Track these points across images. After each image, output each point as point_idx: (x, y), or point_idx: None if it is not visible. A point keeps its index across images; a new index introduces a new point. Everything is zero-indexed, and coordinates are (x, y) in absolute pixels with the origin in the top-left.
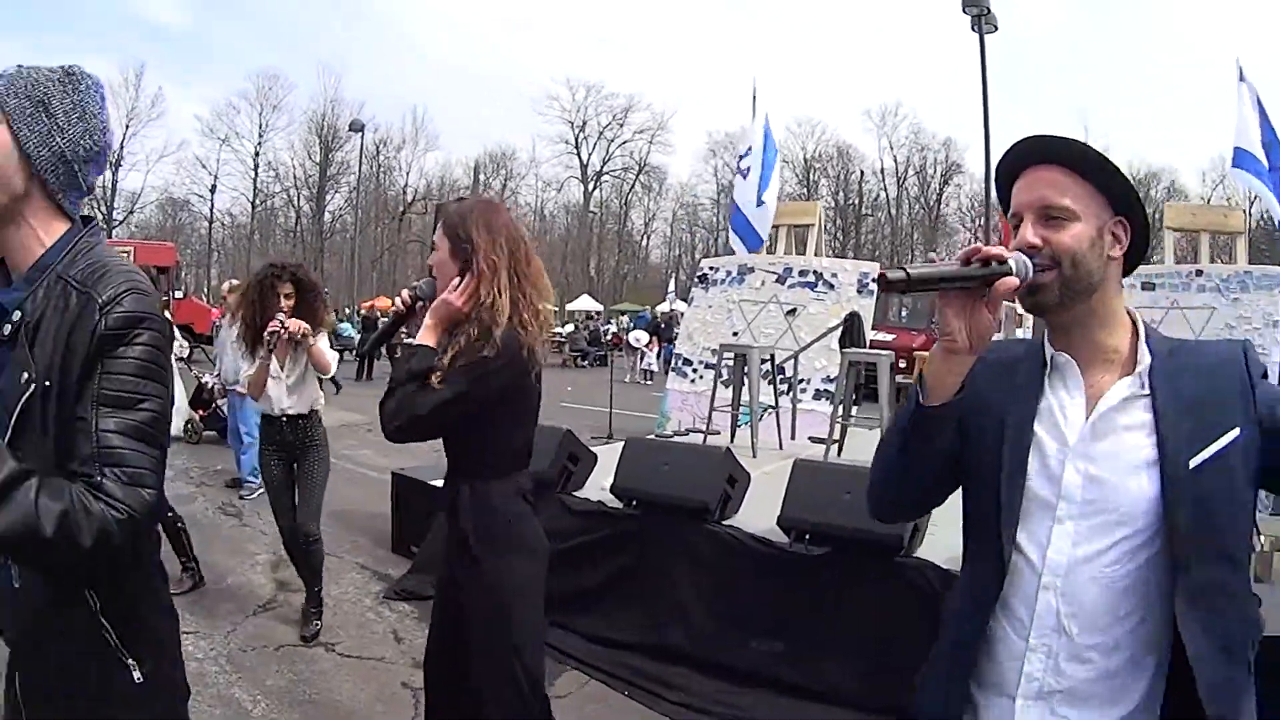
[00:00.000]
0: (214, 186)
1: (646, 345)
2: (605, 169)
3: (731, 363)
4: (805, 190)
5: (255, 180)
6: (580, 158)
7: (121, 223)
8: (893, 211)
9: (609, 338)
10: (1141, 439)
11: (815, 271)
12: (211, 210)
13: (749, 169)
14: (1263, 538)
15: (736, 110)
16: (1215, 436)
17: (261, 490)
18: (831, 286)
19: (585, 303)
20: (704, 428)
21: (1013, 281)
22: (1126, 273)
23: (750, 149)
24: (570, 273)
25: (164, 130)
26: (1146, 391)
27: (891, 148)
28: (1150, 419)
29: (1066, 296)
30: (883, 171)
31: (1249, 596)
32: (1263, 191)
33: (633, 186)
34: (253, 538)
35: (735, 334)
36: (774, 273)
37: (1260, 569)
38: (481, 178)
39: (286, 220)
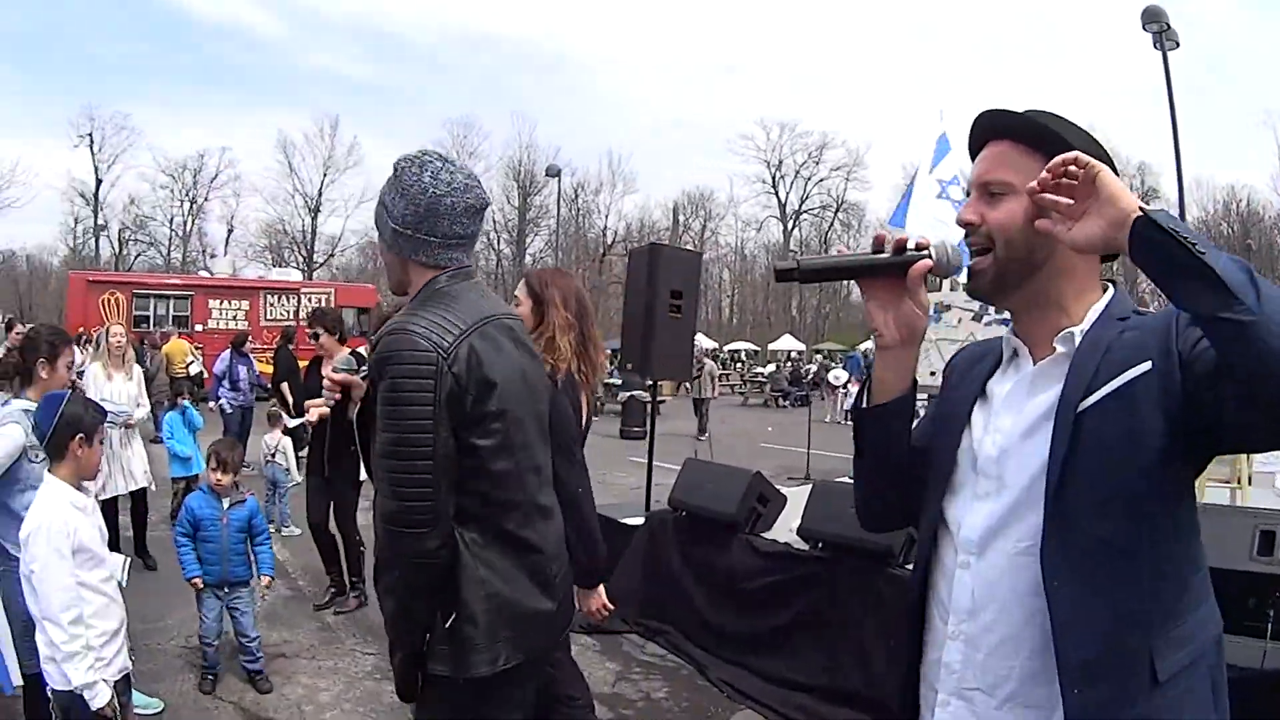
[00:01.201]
0: None
1: (846, 384)
2: (804, 207)
3: (926, 404)
4: None
5: None
6: (778, 197)
7: (322, 265)
8: None
9: (809, 377)
10: (1048, 398)
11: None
12: None
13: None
14: None
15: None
16: (1117, 374)
17: None
18: None
19: (787, 342)
20: None
21: (925, 264)
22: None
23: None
24: (772, 312)
25: (363, 176)
26: (1070, 352)
27: None
28: (1064, 375)
29: (1004, 280)
30: None
31: (1168, 575)
32: None
33: (831, 224)
34: None
35: (933, 373)
36: (970, 310)
37: None
38: (680, 219)
39: (487, 263)
